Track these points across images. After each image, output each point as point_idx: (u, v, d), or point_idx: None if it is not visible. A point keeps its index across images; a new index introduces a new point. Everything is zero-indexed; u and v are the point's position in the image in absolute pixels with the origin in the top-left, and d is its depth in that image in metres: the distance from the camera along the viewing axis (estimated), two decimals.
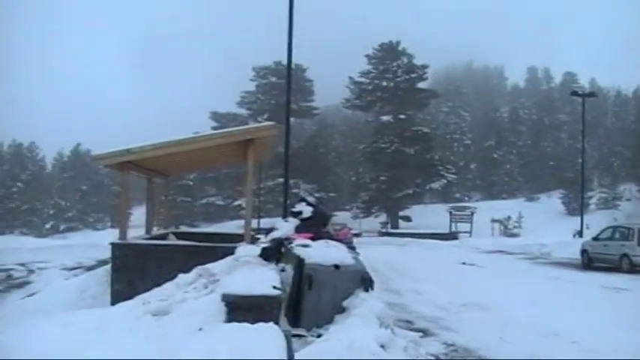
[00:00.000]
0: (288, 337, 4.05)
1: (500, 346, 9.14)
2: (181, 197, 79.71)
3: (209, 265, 10.01)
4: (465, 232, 58.99)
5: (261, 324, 4.16)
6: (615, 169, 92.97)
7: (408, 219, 72.51)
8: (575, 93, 48.07)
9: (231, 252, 11.31)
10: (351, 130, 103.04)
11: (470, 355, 8.50)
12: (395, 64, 75.66)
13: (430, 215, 70.35)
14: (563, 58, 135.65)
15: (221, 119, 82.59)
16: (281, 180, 65.60)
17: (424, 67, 76.58)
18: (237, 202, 76.96)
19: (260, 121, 63.59)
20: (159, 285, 9.11)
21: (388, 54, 76.37)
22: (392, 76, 75.71)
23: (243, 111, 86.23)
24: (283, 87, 79.01)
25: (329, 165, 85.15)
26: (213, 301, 6.78)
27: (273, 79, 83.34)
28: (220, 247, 13.49)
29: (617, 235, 24.59)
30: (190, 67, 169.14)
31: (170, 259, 14.05)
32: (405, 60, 76.12)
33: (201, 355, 3.03)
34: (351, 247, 27.26)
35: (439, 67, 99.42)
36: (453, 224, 61.51)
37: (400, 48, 76.74)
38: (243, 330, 3.77)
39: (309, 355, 4.34)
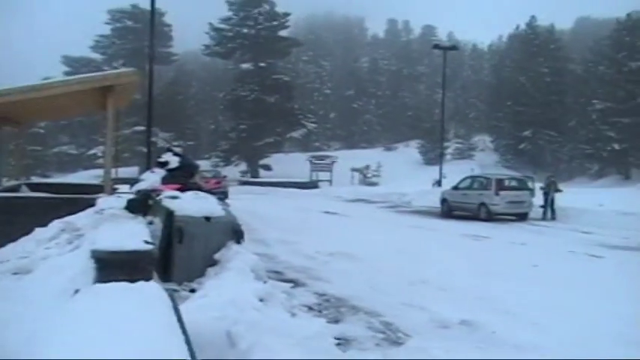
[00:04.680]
0: (173, 296, 3.84)
1: (372, 294, 9.23)
2: (32, 146, 76.08)
3: (70, 218, 9.52)
4: (325, 181, 59.67)
5: (142, 282, 3.93)
6: (470, 121, 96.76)
7: (268, 168, 72.72)
8: (436, 46, 49.23)
9: (91, 204, 10.81)
10: (210, 78, 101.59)
11: (343, 305, 8.53)
12: (256, 11, 74.72)
13: (290, 164, 70.69)
14: (423, 10, 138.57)
15: (74, 64, 79.26)
16: (138, 128, 64.40)
17: (286, 14, 76.22)
18: (92, 151, 74.56)
19: (116, 67, 61.42)
20: (13, 241, 8.58)
21: (250, 0, 75.29)
22: (253, 23, 74.89)
23: (97, 56, 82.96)
24: (140, 31, 76.98)
25: (188, 113, 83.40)
26: (79, 258, 6.41)
27: (130, 22, 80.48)
28: (80, 199, 12.89)
29: (475, 185, 25.57)
30: (40, 8, 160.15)
31: (24, 213, 13.24)
32: (267, 7, 75.34)
33: (84, 321, 2.79)
34: (225, 197, 26.96)
35: (300, 16, 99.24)
36: (314, 173, 62.07)
37: None
38: (125, 290, 3.53)
39: (190, 313, 4.16)
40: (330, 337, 5.46)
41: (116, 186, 17.76)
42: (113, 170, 17.62)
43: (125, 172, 45.12)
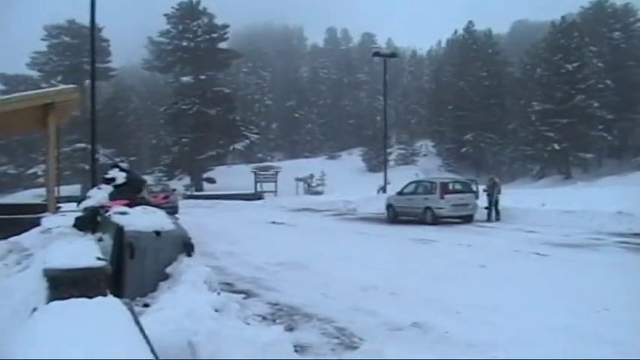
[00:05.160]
0: (132, 309, 3.86)
1: (324, 302, 9.30)
2: None
3: (16, 239, 9.41)
4: (270, 192, 59.61)
5: (100, 297, 3.94)
6: (412, 127, 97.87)
7: (212, 181, 72.36)
8: (376, 54, 49.55)
9: (36, 223, 10.68)
10: (150, 92, 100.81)
11: (296, 313, 8.59)
12: (195, 23, 74.59)
13: (234, 176, 70.46)
14: (361, 18, 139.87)
15: (10, 82, 77.89)
16: (79, 145, 63.56)
17: (225, 26, 76.29)
18: (31, 170, 73.09)
19: (54, 84, 60.63)
20: None
21: (188, 13, 75.07)
22: (192, 36, 74.72)
23: (34, 73, 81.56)
24: (77, 47, 76.05)
25: (129, 128, 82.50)
26: (30, 278, 6.37)
27: (67, 38, 79.30)
28: (24, 219, 12.74)
29: (420, 189, 25.86)
30: None
31: None
32: (205, 19, 75.27)
33: (48, 338, 2.81)
34: (175, 211, 26.71)
35: (239, 27, 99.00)
36: (258, 184, 61.91)
37: (200, 7, 75.61)
38: (85, 305, 3.54)
39: (148, 326, 4.17)
40: (288, 344, 5.53)
41: (59, 205, 17.53)
42: (56, 189, 17.36)
43: (67, 190, 44.38)
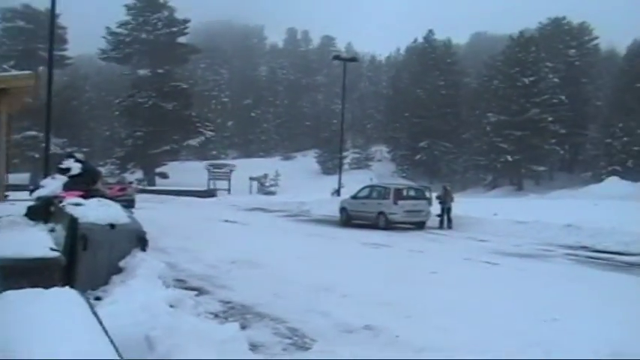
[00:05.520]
0: (89, 301, 3.81)
1: (276, 302, 9.31)
2: None
3: None
4: (223, 190, 59.30)
5: (57, 288, 3.86)
6: (368, 131, 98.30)
7: (165, 176, 71.69)
8: (337, 57, 49.60)
9: None
10: (105, 83, 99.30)
11: (248, 312, 8.58)
12: (155, 16, 73.78)
13: (187, 172, 69.85)
14: (322, 21, 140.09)
15: None
16: (29, 133, 62.31)
17: (185, 21, 75.67)
18: None
19: (6, 69, 59.31)
20: None
21: (149, 5, 74.14)
22: (152, 28, 73.88)
23: None
24: (32, 32, 74.43)
25: (82, 118, 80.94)
26: None
27: (21, 23, 77.40)
28: None
29: (374, 194, 25.98)
30: None
31: None
32: (166, 13, 74.50)
33: (5, 328, 2.76)
34: (131, 204, 26.31)
35: (199, 23, 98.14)
36: (212, 181, 61.57)
37: (161, 0, 74.85)
38: (42, 295, 3.47)
39: (103, 320, 4.12)
40: (244, 341, 5.52)
41: (7, 193, 17.21)
42: (5, 177, 17.03)
43: (15, 178, 43.47)
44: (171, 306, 5.73)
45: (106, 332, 3.11)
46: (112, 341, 2.97)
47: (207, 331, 5.24)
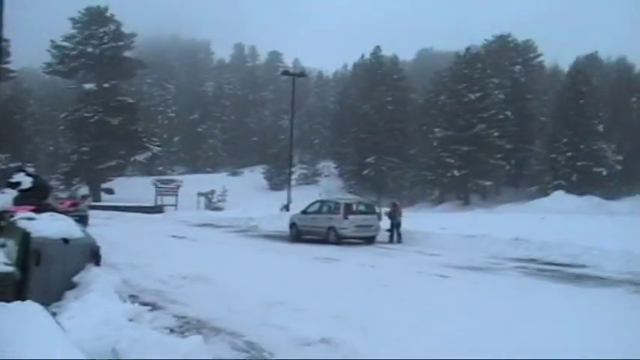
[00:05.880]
0: (51, 314, 3.78)
1: (230, 316, 9.29)
2: None
3: None
4: (170, 205, 58.71)
5: (18, 302, 3.81)
6: (316, 147, 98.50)
7: (110, 191, 70.86)
8: (285, 72, 49.81)
9: None
10: (50, 97, 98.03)
11: (203, 326, 8.54)
12: (102, 30, 72.98)
13: (134, 188, 69.11)
14: (269, 36, 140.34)
15: None
16: None
17: (132, 35, 75.24)
18: None
19: None
20: None
21: (95, 19, 73.36)
22: (98, 42, 73.05)
23: None
24: None
25: (26, 133, 79.44)
26: None
27: None
28: None
29: (324, 209, 26.00)
30: None
31: None
32: (112, 27, 73.76)
33: None
34: (84, 220, 25.71)
35: (145, 37, 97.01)
36: (159, 197, 60.98)
37: (108, 14, 74.12)
38: (5, 309, 3.42)
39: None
40: (207, 353, 5.51)
41: None
42: None
43: None
44: (130, 320, 5.69)
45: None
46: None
47: (171, 344, 5.22)
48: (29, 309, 3.56)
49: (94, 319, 5.04)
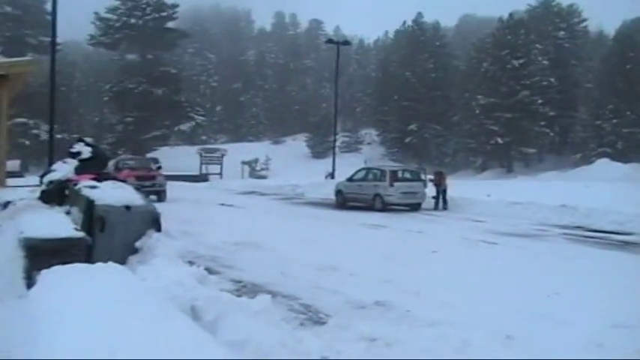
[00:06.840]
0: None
1: (285, 280, 9.54)
2: None
3: None
4: (215, 174, 59.29)
5: (110, 263, 4.05)
6: (358, 115, 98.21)
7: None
8: (330, 41, 49.63)
9: None
10: (94, 69, 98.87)
11: (260, 290, 8.77)
12: (144, 1, 73.49)
13: (178, 157, 69.65)
14: (310, 4, 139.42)
15: None
16: (19, 120, 62.03)
17: (174, 6, 75.49)
18: None
19: None
20: None
21: None
22: (141, 13, 73.58)
23: None
24: (19, 18, 74.09)
25: (72, 105, 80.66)
26: (3, 248, 6.44)
27: (9, 9, 76.93)
28: None
29: (370, 176, 26.14)
30: None
31: None
32: None
33: (80, 300, 2.94)
34: (162, 194, 25.45)
35: (186, 7, 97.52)
36: (204, 166, 61.57)
37: None
38: (90, 270, 3.65)
39: None
40: (276, 312, 5.75)
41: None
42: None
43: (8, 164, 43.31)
44: (199, 282, 5.94)
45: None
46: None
47: (245, 302, 5.48)
48: (112, 268, 3.79)
49: (166, 281, 5.29)
